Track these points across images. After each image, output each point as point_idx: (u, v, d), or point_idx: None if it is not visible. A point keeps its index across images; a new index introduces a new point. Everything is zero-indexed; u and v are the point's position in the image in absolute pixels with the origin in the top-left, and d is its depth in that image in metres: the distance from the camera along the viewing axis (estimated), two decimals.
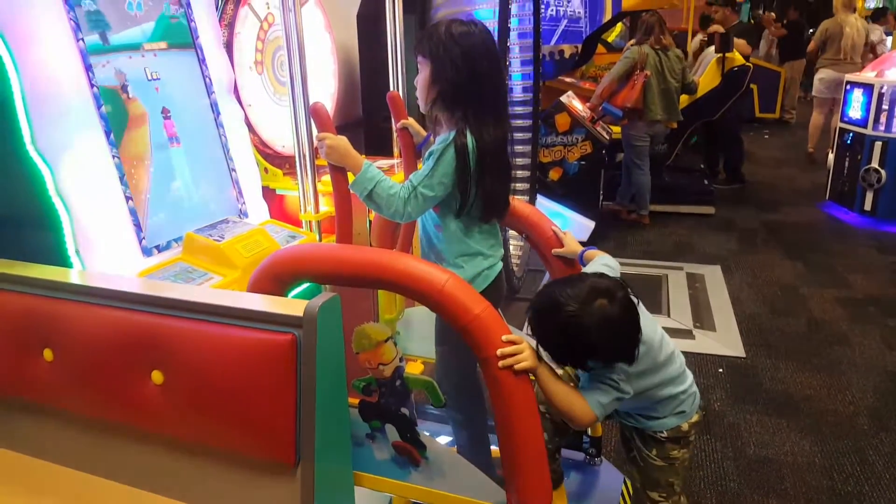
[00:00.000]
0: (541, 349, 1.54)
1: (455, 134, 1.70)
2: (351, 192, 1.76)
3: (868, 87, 5.53)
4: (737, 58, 6.02)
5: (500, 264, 1.89)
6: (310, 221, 2.64)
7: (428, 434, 1.59)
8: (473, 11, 3.72)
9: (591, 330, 1.50)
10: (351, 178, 1.76)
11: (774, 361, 3.41)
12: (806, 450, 2.70)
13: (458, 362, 1.89)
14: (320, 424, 1.34)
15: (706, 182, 6.46)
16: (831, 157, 6.08)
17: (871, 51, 7.58)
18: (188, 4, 2.36)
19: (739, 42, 6.25)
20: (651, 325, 1.67)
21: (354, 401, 1.59)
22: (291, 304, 1.39)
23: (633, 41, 5.65)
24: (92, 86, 1.92)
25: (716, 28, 6.36)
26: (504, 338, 1.40)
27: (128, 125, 2.06)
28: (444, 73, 1.71)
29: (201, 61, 2.39)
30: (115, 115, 2.00)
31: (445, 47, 1.70)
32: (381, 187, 1.71)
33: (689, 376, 1.76)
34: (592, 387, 1.60)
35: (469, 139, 1.69)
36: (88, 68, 1.92)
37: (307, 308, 1.32)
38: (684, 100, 5.82)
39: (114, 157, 1.96)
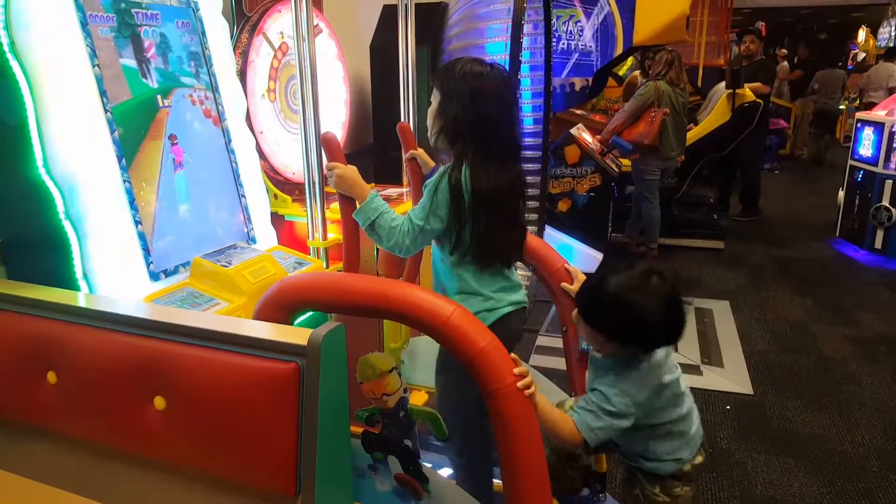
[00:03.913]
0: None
1: (450, 167, 1.71)
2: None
3: (879, 126, 5.53)
4: (747, 94, 6.05)
5: (508, 309, 1.85)
6: (317, 248, 2.65)
7: (430, 466, 1.58)
8: (485, 44, 3.77)
9: (646, 304, 1.57)
10: (358, 206, 1.77)
11: (783, 399, 3.37)
12: (814, 491, 2.65)
13: (460, 393, 1.87)
14: (322, 455, 1.33)
15: (716, 216, 6.45)
16: (841, 194, 6.07)
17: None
18: (203, 33, 2.39)
19: (754, 85, 6.26)
20: (670, 361, 1.71)
21: (357, 430, 1.57)
22: (296, 333, 1.39)
23: (638, 73, 5.66)
24: (106, 111, 1.94)
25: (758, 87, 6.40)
26: (515, 371, 1.40)
27: (140, 150, 2.07)
28: (449, 109, 1.73)
29: (214, 88, 2.42)
30: (128, 140, 2.02)
31: (456, 84, 1.72)
32: (384, 219, 1.72)
33: (695, 422, 1.76)
34: (586, 410, 1.64)
35: (464, 175, 1.69)
36: (103, 94, 1.94)
37: (311, 337, 1.31)
38: (694, 135, 5.83)
39: (124, 181, 1.98)
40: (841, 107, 10.46)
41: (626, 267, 1.65)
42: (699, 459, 1.76)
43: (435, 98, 1.80)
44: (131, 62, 2.08)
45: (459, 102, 1.71)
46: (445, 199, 1.70)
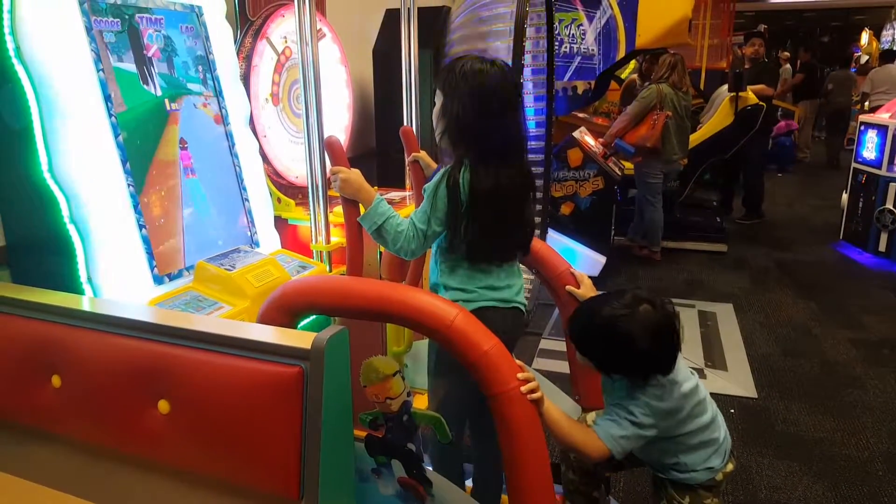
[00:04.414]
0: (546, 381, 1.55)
1: (450, 169, 1.71)
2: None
3: (882, 129, 5.52)
4: (750, 97, 6.04)
5: (488, 304, 1.80)
6: (321, 252, 2.65)
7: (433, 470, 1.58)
8: (487, 48, 3.77)
9: (633, 332, 1.55)
10: (362, 210, 1.77)
11: (787, 403, 3.36)
12: (819, 495, 2.64)
13: (456, 395, 1.84)
14: (325, 459, 1.33)
15: (719, 219, 6.44)
16: (845, 196, 6.06)
17: None
18: (207, 37, 2.40)
19: (758, 87, 6.24)
20: (684, 368, 1.68)
21: (361, 434, 1.57)
22: (299, 337, 1.39)
23: (636, 76, 5.64)
24: (110, 115, 1.95)
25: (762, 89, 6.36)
26: (520, 375, 1.40)
27: (154, 154, 2.08)
28: (451, 109, 1.73)
29: (219, 93, 2.42)
30: (135, 144, 2.02)
31: (456, 83, 1.72)
32: (390, 223, 1.72)
33: (721, 427, 1.75)
34: (607, 420, 1.60)
35: (462, 176, 1.69)
36: (108, 98, 1.95)
37: (315, 341, 1.32)
38: (697, 138, 5.82)
39: (129, 185, 1.98)
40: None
41: (617, 295, 1.62)
42: (730, 467, 1.75)
43: (438, 99, 1.80)
44: (134, 67, 2.08)
45: (460, 102, 1.71)
46: (444, 202, 1.70)
